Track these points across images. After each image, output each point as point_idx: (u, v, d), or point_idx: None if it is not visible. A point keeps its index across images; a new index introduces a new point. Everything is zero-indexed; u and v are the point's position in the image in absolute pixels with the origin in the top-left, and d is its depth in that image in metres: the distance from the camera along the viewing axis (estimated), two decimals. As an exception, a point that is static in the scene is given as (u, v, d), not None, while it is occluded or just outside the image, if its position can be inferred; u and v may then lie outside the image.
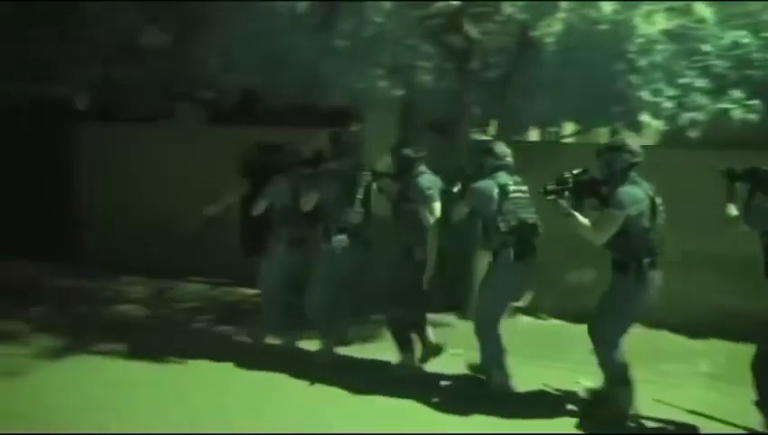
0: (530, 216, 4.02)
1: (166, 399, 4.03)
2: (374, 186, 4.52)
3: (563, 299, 5.69)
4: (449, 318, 5.81)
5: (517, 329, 5.68)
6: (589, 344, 3.85)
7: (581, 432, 3.73)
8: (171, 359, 4.69)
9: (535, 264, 4.06)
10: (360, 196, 4.53)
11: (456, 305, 5.68)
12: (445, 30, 5.75)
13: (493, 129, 6.36)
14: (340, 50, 5.24)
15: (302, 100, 5.97)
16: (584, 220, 3.68)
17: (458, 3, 5.49)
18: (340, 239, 4.45)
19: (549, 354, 4.89)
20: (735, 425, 3.72)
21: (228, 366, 4.59)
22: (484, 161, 4.10)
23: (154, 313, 5.91)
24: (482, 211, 4.02)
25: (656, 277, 3.64)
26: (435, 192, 4.17)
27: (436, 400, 4.10)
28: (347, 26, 5.14)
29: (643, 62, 5.17)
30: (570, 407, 4.05)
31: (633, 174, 3.62)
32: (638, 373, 3.81)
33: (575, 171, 3.78)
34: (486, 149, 4.14)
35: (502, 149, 4.13)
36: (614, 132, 5.78)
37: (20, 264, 7.00)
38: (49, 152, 7.87)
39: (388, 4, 5.05)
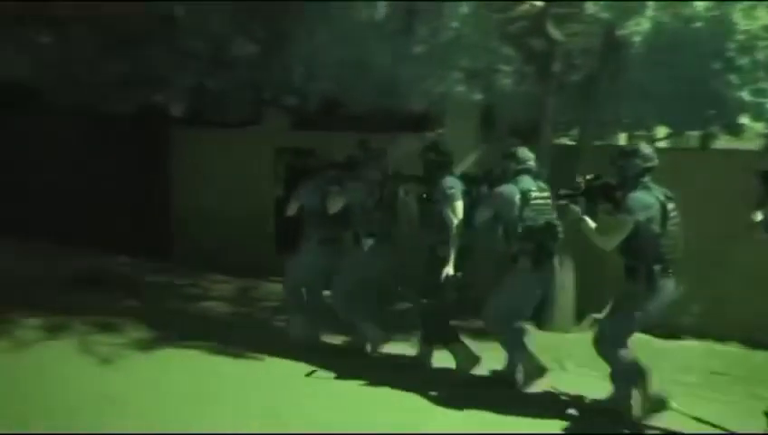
0: (550, 222, 4.01)
1: (242, 393, 4.22)
2: (401, 189, 4.62)
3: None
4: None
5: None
6: (675, 361, 3.64)
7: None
8: (251, 355, 4.88)
9: (552, 270, 4.12)
10: (388, 200, 4.64)
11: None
12: (526, 32, 5.63)
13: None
14: (419, 55, 5.26)
15: (382, 105, 6.05)
16: (593, 225, 3.70)
17: (541, 4, 5.37)
18: (368, 242, 4.57)
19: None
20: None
21: (302, 364, 4.71)
22: (507, 166, 4.13)
23: (237, 310, 6.17)
24: (503, 215, 4.04)
25: (667, 284, 3.59)
26: (456, 192, 4.23)
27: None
28: (425, 32, 5.15)
29: (743, 60, 4.82)
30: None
31: (646, 179, 3.59)
32: (732, 397, 3.53)
33: (588, 176, 3.81)
34: (509, 154, 4.16)
35: (524, 153, 4.14)
36: (708, 136, 5.42)
37: (117, 259, 7.56)
38: (147, 156, 8.45)
39: (465, 9, 5.01)
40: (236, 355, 4.88)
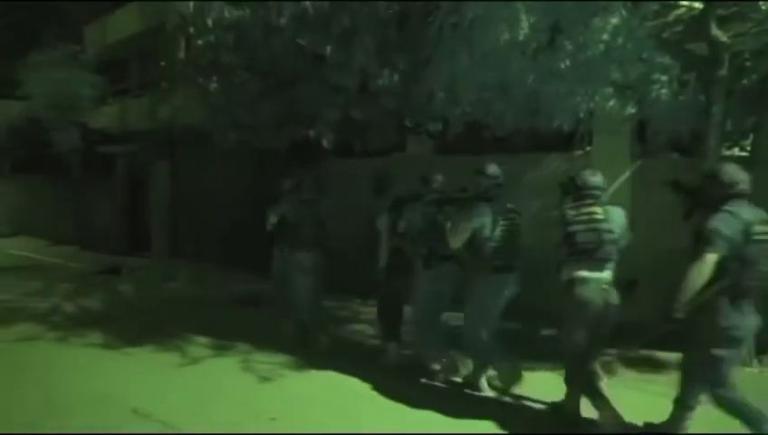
0: (439, 232, 4.67)
1: (379, 414, 4.31)
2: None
3: None
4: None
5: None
6: None
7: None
8: (391, 379, 4.96)
9: (444, 271, 4.85)
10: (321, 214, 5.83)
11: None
12: (685, 37, 5.21)
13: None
14: (564, 72, 5.06)
15: (526, 125, 5.90)
16: (449, 226, 4.55)
17: (702, 5, 4.95)
18: (300, 250, 5.75)
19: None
20: None
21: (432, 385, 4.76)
22: (420, 189, 5.02)
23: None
24: (409, 228, 5.02)
25: (501, 277, 4.40)
26: (384, 209, 5.30)
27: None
28: (571, 47, 4.95)
29: None
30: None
31: (494, 193, 4.45)
32: None
33: (462, 188, 4.77)
34: (423, 178, 5.04)
35: (434, 177, 5.02)
36: None
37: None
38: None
39: (615, 20, 4.74)
40: (377, 378, 4.95)
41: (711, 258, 3.27)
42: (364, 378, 4.96)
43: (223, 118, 7.56)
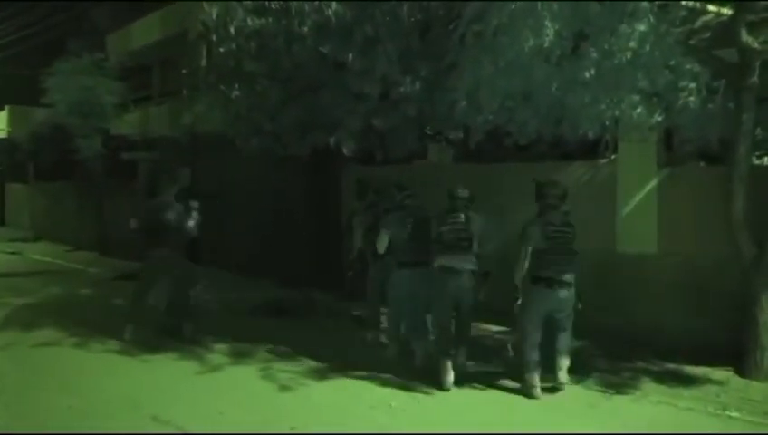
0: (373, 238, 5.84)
1: (399, 419, 4.24)
2: None
3: None
4: (725, 374, 5.01)
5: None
6: None
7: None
8: (419, 387, 4.91)
9: (382, 265, 5.85)
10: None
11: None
12: (714, 44, 5.12)
13: None
14: (590, 79, 4.98)
15: (550, 133, 5.82)
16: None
17: (731, 11, 4.86)
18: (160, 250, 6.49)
19: None
20: None
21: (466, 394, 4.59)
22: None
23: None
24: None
25: (408, 273, 5.42)
26: (361, 211, 6.60)
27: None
28: (597, 54, 4.88)
29: None
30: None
31: (406, 203, 5.59)
32: None
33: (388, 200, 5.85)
34: (397, 187, 5.88)
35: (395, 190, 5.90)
36: None
37: (293, 291, 8.04)
38: (320, 193, 8.98)
39: (643, 27, 4.66)
40: (398, 387, 4.92)
41: (526, 250, 4.70)
42: (385, 387, 4.92)
43: (245, 125, 7.58)
